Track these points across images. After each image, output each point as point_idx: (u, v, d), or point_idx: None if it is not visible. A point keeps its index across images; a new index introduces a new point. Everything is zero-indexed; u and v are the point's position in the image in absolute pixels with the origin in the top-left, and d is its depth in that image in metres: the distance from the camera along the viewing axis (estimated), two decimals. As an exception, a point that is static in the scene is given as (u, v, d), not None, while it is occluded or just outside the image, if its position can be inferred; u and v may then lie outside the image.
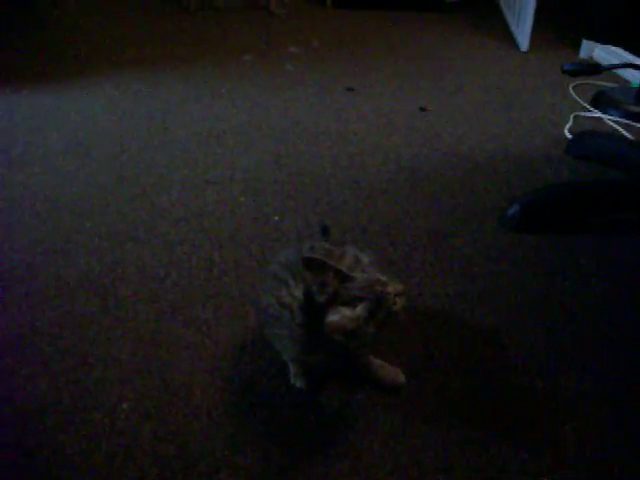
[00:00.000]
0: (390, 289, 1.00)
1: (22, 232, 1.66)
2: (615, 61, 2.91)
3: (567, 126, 2.34)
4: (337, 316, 0.96)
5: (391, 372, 1.20)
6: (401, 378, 1.19)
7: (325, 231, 1.34)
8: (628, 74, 2.86)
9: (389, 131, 2.28)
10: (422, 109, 2.48)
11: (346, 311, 0.97)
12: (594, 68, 2.43)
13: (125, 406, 1.15)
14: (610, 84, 2.76)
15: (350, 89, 2.67)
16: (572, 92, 2.69)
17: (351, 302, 0.97)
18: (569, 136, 2.25)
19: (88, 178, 1.94)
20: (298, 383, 1.18)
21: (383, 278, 1.01)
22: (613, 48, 2.94)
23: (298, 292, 1.03)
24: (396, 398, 1.17)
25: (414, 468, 1.04)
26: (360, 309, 0.97)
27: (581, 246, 1.62)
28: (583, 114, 2.46)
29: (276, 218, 1.71)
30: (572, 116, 2.43)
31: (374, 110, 2.47)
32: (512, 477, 1.03)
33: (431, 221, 1.71)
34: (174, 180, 1.92)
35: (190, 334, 1.31)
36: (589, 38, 2.58)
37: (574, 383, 1.21)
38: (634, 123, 2.37)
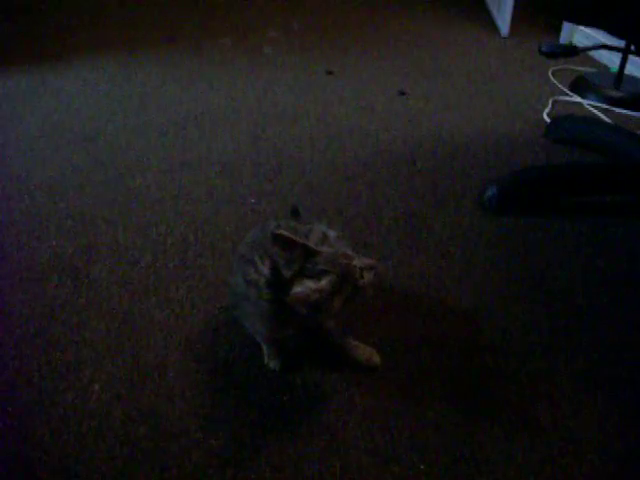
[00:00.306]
0: (356, 262, 1.00)
1: (-6, 214, 1.64)
2: (593, 44, 2.92)
3: (546, 110, 2.34)
4: (301, 288, 0.96)
5: (366, 352, 1.19)
6: (376, 358, 1.18)
7: (295, 212, 1.32)
8: (607, 59, 2.87)
9: (368, 114, 2.27)
10: (401, 93, 2.46)
11: (310, 283, 0.96)
12: (571, 50, 2.43)
13: (97, 387, 1.13)
14: (589, 69, 2.77)
15: (330, 72, 2.65)
16: (551, 77, 2.69)
17: (316, 275, 0.97)
18: (548, 120, 2.25)
19: (63, 161, 1.91)
20: (272, 364, 1.17)
21: (350, 252, 1.01)
22: (592, 33, 2.95)
23: (265, 269, 1.02)
24: (371, 378, 1.16)
25: (388, 447, 1.04)
26: (324, 282, 0.96)
27: (557, 228, 1.62)
28: (562, 98, 2.46)
29: (252, 200, 1.69)
30: (551, 100, 2.43)
31: (353, 93, 2.45)
32: (486, 455, 1.03)
33: (408, 203, 1.71)
34: (150, 162, 1.89)
35: (164, 316, 1.30)
36: (567, 19, 2.58)
37: (549, 363, 1.21)
38: (612, 108, 2.38)
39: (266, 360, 1.17)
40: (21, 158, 1.91)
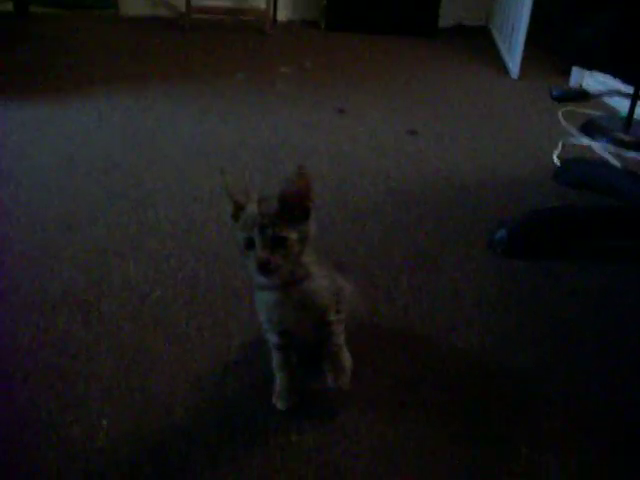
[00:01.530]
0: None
1: (8, 245, 1.65)
2: (604, 89, 2.95)
3: (556, 152, 2.36)
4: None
5: (340, 372, 1.15)
6: (345, 385, 1.15)
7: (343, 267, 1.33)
8: (616, 102, 2.90)
9: (379, 153, 2.29)
10: (412, 132, 2.49)
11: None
12: (582, 94, 2.47)
13: (105, 423, 1.13)
14: (599, 112, 2.79)
15: (341, 110, 2.68)
16: (561, 119, 2.72)
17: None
18: (557, 163, 2.27)
19: (77, 192, 1.93)
20: (280, 404, 1.16)
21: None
22: (602, 77, 2.98)
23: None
24: (380, 418, 1.16)
25: None
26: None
27: (566, 271, 1.63)
28: (572, 141, 2.49)
29: (263, 237, 1.70)
30: (561, 143, 2.45)
31: (364, 132, 2.48)
32: None
33: (419, 244, 1.71)
34: (162, 196, 1.91)
35: (173, 351, 1.30)
36: (578, 64, 2.61)
37: (559, 410, 1.20)
38: (622, 151, 2.39)
39: (274, 399, 1.17)
40: (36, 189, 1.93)
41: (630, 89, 2.47)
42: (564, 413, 1.20)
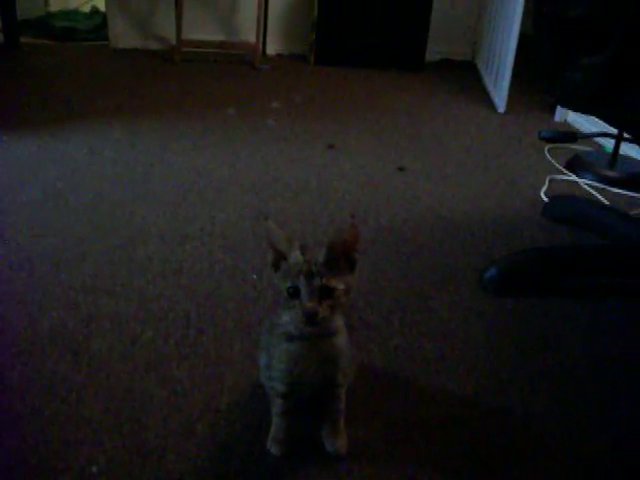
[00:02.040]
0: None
1: (-5, 283, 1.64)
2: (589, 126, 3.00)
3: (543, 189, 2.39)
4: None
5: (339, 438, 1.16)
6: (342, 449, 1.16)
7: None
8: (602, 139, 2.94)
9: (368, 190, 2.30)
10: (401, 169, 2.51)
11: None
12: (570, 136, 2.49)
13: (95, 469, 1.11)
14: (585, 148, 2.83)
15: (331, 146, 2.70)
16: (548, 155, 2.75)
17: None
18: (545, 199, 2.29)
19: (65, 229, 1.92)
20: (274, 449, 1.15)
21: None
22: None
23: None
24: (373, 465, 1.15)
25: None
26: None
27: (558, 309, 1.63)
28: (558, 177, 2.51)
29: (254, 276, 1.70)
30: (548, 179, 2.48)
31: (354, 168, 2.49)
32: None
33: (410, 282, 1.72)
34: (152, 233, 1.91)
35: (164, 394, 1.29)
36: (564, 106, 2.65)
37: (552, 451, 1.20)
38: (608, 187, 2.42)
39: (269, 444, 1.16)
40: (23, 225, 1.92)
41: (615, 130, 2.51)
42: (557, 455, 1.19)
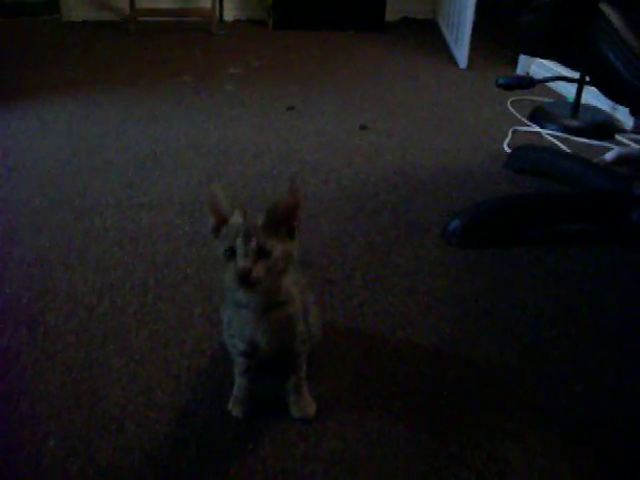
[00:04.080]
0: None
1: (-55, 262, 1.58)
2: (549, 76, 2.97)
3: (506, 141, 2.37)
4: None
5: (305, 403, 1.14)
6: (311, 411, 1.14)
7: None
8: (564, 89, 2.92)
9: (330, 150, 2.26)
10: (363, 127, 2.47)
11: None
12: (527, 81, 2.47)
13: (52, 444, 1.08)
14: (547, 99, 2.81)
15: (291, 108, 2.65)
16: (510, 107, 2.73)
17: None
18: (508, 150, 2.27)
19: (19, 203, 1.86)
20: (235, 411, 1.13)
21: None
22: (549, 64, 3.00)
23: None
24: (337, 421, 1.13)
25: (357, 495, 1.01)
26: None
27: (521, 258, 1.62)
28: (521, 129, 2.50)
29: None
30: (511, 131, 2.46)
31: (315, 129, 2.45)
32: None
33: (372, 239, 1.69)
34: (109, 203, 1.86)
35: (122, 363, 1.25)
36: (523, 51, 2.62)
37: (516, 398, 1.19)
38: (570, 136, 2.41)
39: (230, 406, 1.14)
40: (-25, 202, 1.86)
41: (575, 74, 2.49)
42: (521, 405, 1.19)
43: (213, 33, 3.96)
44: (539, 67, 3.15)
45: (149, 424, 1.12)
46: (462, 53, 3.33)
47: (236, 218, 0.99)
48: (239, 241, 0.94)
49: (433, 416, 1.15)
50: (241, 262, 0.94)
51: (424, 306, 1.44)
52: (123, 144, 2.28)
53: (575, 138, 2.40)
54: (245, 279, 0.94)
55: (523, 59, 3.28)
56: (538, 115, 2.58)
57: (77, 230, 1.72)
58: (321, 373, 1.21)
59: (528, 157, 2.13)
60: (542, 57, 2.51)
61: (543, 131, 2.47)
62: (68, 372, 1.23)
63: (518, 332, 1.37)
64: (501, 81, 2.42)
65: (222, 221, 1.00)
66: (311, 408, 1.14)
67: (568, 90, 2.85)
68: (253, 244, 0.94)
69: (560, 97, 2.89)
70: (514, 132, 2.46)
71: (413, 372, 1.25)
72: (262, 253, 0.95)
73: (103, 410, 1.15)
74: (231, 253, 0.95)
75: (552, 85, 2.99)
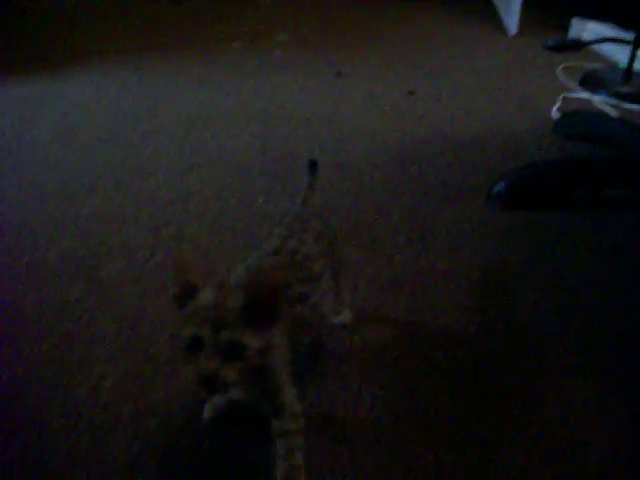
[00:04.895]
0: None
1: (7, 218, 1.66)
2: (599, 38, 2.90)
3: (555, 107, 2.34)
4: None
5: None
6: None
7: (313, 166, 1.19)
8: (615, 55, 2.86)
9: (377, 114, 2.27)
10: (410, 92, 2.47)
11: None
12: (576, 43, 2.43)
13: (108, 383, 1.15)
14: (598, 65, 2.76)
15: (339, 74, 2.66)
16: (560, 74, 2.69)
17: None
18: (557, 116, 2.25)
19: (74, 164, 1.93)
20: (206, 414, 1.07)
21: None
22: (601, 31, 2.93)
23: None
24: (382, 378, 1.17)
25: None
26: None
27: (566, 222, 1.62)
28: (571, 95, 2.46)
29: (261, 200, 1.71)
30: (560, 97, 2.42)
31: (362, 94, 2.46)
32: (494, 446, 1.03)
33: (417, 200, 1.71)
34: (161, 164, 1.91)
35: (174, 315, 1.30)
36: (574, 13, 2.57)
37: (558, 356, 1.21)
38: (621, 103, 2.37)
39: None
40: (34, 163, 1.94)
41: (627, 36, 2.43)
42: (566, 362, 1.20)
43: (260, 2, 3.97)
44: (591, 34, 3.09)
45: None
46: (512, 19, 3.28)
47: (207, 296, 0.80)
48: (206, 332, 0.77)
49: (474, 371, 1.18)
50: (204, 362, 0.76)
51: (467, 266, 1.46)
52: (174, 108, 2.33)
53: (626, 105, 2.36)
54: (210, 383, 0.77)
55: (575, 26, 3.21)
56: (589, 81, 2.53)
57: (130, 189, 1.78)
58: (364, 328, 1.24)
59: (577, 123, 2.11)
60: (595, 17, 2.45)
61: (593, 97, 2.43)
62: (123, 320, 1.30)
63: (559, 294, 1.38)
64: (549, 43, 2.38)
65: (188, 293, 0.82)
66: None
67: (621, 57, 2.79)
68: (224, 337, 0.77)
69: (612, 64, 2.83)
70: (563, 99, 2.42)
71: (455, 329, 1.28)
72: (234, 350, 0.77)
73: (156, 355, 1.21)
74: (194, 344, 0.78)
75: (603, 52, 2.93)
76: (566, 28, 3.27)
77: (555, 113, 2.28)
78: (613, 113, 2.29)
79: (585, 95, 2.46)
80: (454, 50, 3.03)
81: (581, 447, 1.03)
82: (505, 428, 1.06)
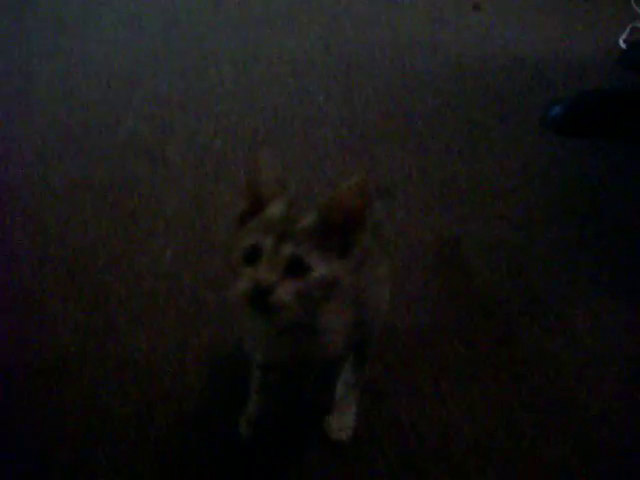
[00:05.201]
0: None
1: (76, 96, 1.73)
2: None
3: (623, 36, 2.29)
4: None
5: (342, 424, 0.98)
6: (344, 436, 0.98)
7: (388, 194, 1.19)
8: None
9: (440, 26, 2.25)
10: (476, 7, 2.43)
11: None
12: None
13: (169, 253, 1.24)
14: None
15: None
16: (633, 3, 2.61)
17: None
18: (624, 46, 2.21)
19: (139, 49, 1.97)
20: (243, 429, 0.98)
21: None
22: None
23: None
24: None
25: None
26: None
27: (620, 152, 1.62)
28: (641, 25, 2.40)
29: (320, 99, 1.74)
30: (629, 27, 2.37)
31: (427, 4, 2.43)
32: (526, 353, 1.11)
33: (472, 114, 1.73)
34: (224, 56, 1.94)
35: (230, 199, 1.38)
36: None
37: (593, 276, 1.27)
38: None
39: (240, 422, 0.99)
40: (101, 46, 1.98)
41: None
42: (601, 283, 1.26)
43: None
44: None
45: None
46: (591, -60, 3.15)
47: (275, 207, 0.72)
48: (268, 241, 0.68)
49: (511, 283, 1.24)
50: (263, 271, 0.67)
51: (513, 183, 1.50)
52: (237, 3, 2.34)
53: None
54: (261, 298, 0.67)
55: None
56: (662, 12, 2.46)
57: (194, 78, 1.83)
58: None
59: (643, 54, 2.07)
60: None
61: (664, 30, 2.36)
62: (184, 199, 1.38)
63: (601, 222, 1.41)
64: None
65: (257, 208, 0.73)
66: (349, 432, 0.98)
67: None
68: (287, 251, 0.67)
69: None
70: (633, 29, 2.37)
71: (496, 243, 1.33)
72: (297, 267, 0.68)
73: (212, 234, 1.30)
74: (253, 254, 0.69)
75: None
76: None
77: (622, 42, 2.24)
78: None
79: (656, 26, 2.40)
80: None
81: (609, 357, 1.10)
82: (536, 335, 1.13)
